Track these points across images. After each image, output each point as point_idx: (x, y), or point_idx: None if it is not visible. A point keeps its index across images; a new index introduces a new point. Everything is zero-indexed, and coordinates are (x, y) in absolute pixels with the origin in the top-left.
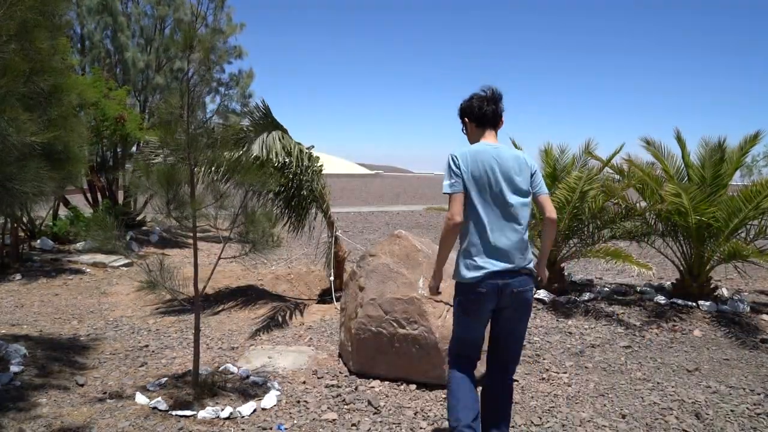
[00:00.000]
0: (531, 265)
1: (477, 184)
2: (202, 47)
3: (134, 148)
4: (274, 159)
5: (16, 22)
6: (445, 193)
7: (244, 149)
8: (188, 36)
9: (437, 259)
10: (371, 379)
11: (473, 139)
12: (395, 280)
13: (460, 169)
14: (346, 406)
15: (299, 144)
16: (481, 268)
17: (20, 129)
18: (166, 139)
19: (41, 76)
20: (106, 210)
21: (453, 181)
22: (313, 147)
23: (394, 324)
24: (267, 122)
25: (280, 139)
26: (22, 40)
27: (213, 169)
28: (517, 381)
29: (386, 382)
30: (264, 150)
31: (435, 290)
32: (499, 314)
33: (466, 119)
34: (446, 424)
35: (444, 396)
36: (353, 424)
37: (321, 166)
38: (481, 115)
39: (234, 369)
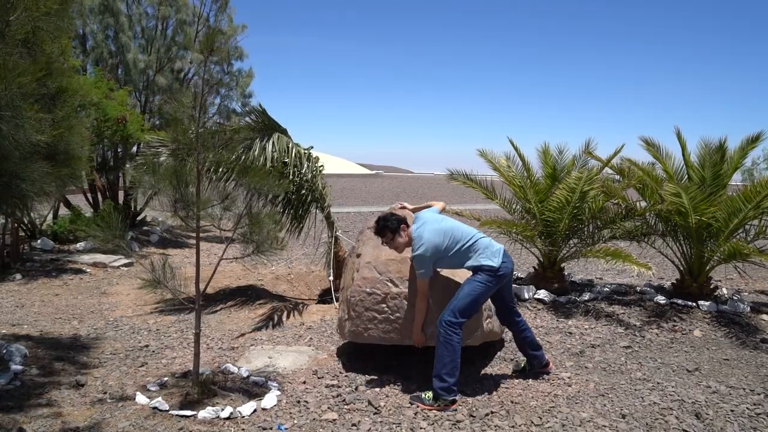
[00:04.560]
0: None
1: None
2: (219, 51)
3: (135, 149)
4: (269, 164)
5: (28, 27)
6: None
7: (243, 152)
8: (210, 38)
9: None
10: (370, 378)
11: (407, 235)
12: None
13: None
14: (346, 406)
15: (297, 145)
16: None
17: (31, 128)
18: (177, 137)
19: (49, 77)
20: (109, 211)
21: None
22: (312, 147)
23: (388, 283)
24: (265, 125)
25: (276, 143)
26: (31, 43)
27: (218, 169)
28: (517, 374)
29: (387, 383)
30: (262, 156)
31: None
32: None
33: (403, 225)
34: (446, 423)
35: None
36: (353, 424)
37: (321, 166)
38: (404, 217)
39: (234, 369)
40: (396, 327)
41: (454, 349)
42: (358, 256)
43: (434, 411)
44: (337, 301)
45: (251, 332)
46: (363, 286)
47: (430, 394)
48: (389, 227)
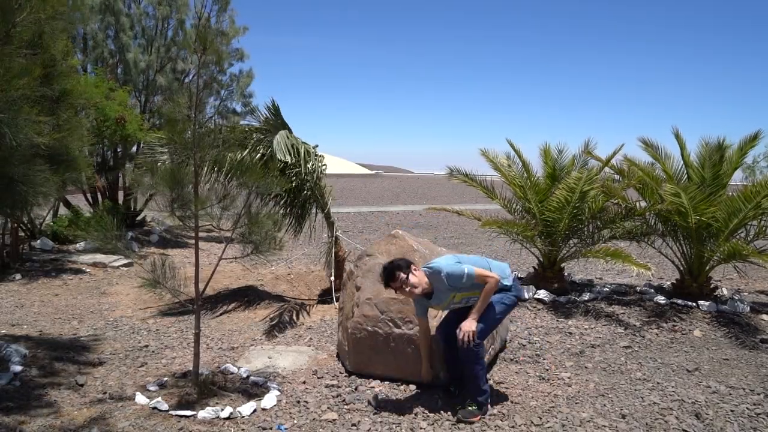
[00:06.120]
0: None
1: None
2: (212, 50)
3: (134, 149)
4: (291, 159)
5: (34, 29)
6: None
7: (252, 148)
8: (203, 38)
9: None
10: (370, 379)
11: (421, 275)
12: None
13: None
14: (346, 406)
15: (305, 144)
16: None
17: (32, 130)
18: (173, 138)
19: (53, 79)
20: (109, 210)
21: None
22: (317, 146)
23: (390, 324)
24: (277, 123)
25: (287, 138)
26: (36, 46)
27: (216, 169)
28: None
29: (386, 382)
30: (282, 151)
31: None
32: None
33: (413, 266)
34: (446, 423)
35: (440, 395)
36: (353, 424)
37: (324, 165)
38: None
39: (234, 369)
40: (398, 365)
41: (484, 369)
42: (358, 288)
43: (479, 417)
44: (337, 300)
45: (251, 332)
46: (364, 324)
47: (474, 406)
48: (400, 268)
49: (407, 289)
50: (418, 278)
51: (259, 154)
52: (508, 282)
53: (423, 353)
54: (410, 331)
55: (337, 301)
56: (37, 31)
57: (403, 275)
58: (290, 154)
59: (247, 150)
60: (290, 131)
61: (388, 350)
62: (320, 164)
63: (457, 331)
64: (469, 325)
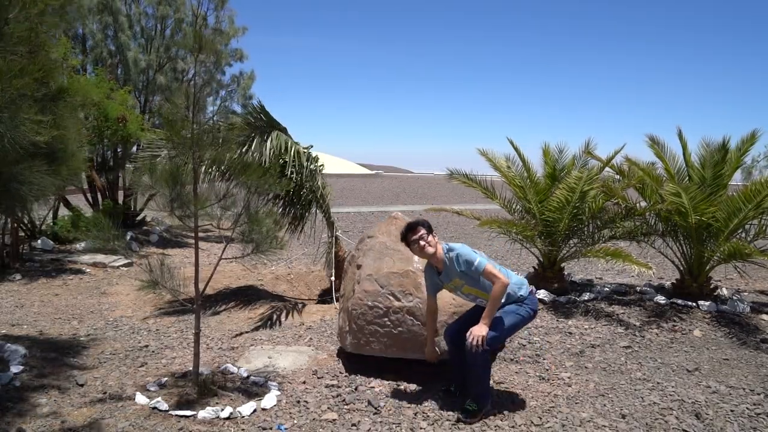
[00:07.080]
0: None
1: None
2: (209, 49)
3: (135, 148)
4: (267, 162)
5: (26, 25)
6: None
7: (241, 150)
8: (196, 37)
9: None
10: (370, 379)
11: (438, 244)
12: (392, 256)
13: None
14: (346, 406)
15: (297, 144)
16: None
17: (29, 129)
18: (171, 137)
19: (50, 77)
20: (109, 210)
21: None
22: (311, 146)
23: (390, 297)
24: (263, 123)
25: (274, 140)
26: (32, 42)
27: (215, 168)
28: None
29: (387, 382)
30: (261, 153)
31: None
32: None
33: (434, 232)
34: (446, 423)
35: (440, 395)
36: (353, 424)
37: (321, 165)
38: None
39: (234, 369)
40: (397, 341)
41: (488, 375)
42: (359, 267)
43: (480, 417)
44: (337, 301)
45: (250, 332)
46: (364, 299)
47: (474, 406)
48: (423, 224)
49: (422, 243)
50: (435, 242)
51: (249, 156)
52: (523, 292)
53: (428, 333)
54: (410, 304)
55: (337, 301)
56: (32, 28)
57: (424, 231)
58: (263, 154)
59: (249, 148)
60: (282, 131)
61: (388, 324)
62: (316, 164)
63: (467, 334)
64: (479, 330)
